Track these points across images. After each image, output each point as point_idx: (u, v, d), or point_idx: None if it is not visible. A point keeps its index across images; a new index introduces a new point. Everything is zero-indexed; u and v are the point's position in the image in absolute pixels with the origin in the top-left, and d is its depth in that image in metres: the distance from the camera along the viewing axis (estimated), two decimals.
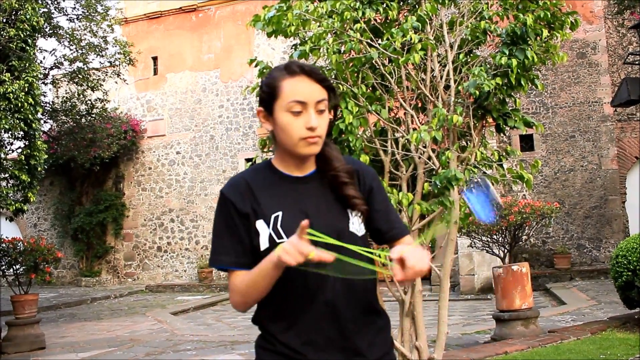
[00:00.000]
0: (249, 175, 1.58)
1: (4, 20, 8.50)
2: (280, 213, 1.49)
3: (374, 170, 1.66)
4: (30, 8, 8.70)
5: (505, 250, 7.44)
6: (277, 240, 1.46)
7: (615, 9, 13.18)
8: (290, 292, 1.47)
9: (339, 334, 1.48)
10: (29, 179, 8.93)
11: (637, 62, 12.79)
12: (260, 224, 1.50)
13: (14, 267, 9.07)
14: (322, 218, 1.48)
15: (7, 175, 9.19)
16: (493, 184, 1.44)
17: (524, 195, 13.13)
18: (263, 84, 1.55)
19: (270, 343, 1.50)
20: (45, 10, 11.87)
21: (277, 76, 1.51)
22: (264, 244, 1.48)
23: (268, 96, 1.52)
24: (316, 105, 1.48)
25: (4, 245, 9.05)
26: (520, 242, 8.21)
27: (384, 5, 3.88)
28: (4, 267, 9.08)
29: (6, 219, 10.65)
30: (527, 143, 14.08)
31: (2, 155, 9.13)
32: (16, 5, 8.48)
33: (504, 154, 3.97)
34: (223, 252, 1.52)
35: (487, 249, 7.71)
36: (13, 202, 8.95)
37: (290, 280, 1.46)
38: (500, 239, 7.44)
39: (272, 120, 1.53)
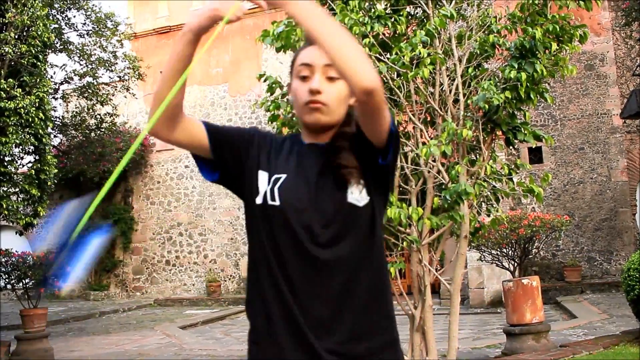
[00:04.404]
0: (276, 136, 1.61)
1: (16, 37, 8.61)
2: (283, 176, 1.47)
3: None
4: (41, 24, 8.81)
5: (515, 264, 7.40)
6: (269, 202, 1.44)
7: (623, 21, 13.17)
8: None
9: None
10: (39, 194, 8.99)
11: None
12: (262, 175, 1.49)
13: (24, 281, 9.10)
14: (321, 188, 1.44)
15: (17, 189, 9.26)
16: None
17: (534, 208, 13.06)
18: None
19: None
20: (56, 26, 12.00)
21: (300, 49, 1.54)
22: (258, 198, 1.46)
23: (290, 68, 1.54)
24: (324, 69, 1.44)
25: (13, 259, 9.09)
26: (530, 255, 8.16)
27: (392, 19, 3.90)
28: (13, 280, 9.11)
29: (16, 233, 10.69)
30: (535, 155, 14.02)
31: (13, 170, 9.20)
32: (28, 22, 8.59)
33: (514, 167, 3.96)
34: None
35: (497, 262, 7.66)
36: (23, 217, 9.01)
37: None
38: (510, 252, 7.40)
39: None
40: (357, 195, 1.42)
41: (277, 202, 1.43)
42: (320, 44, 1.29)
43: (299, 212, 1.42)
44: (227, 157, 1.52)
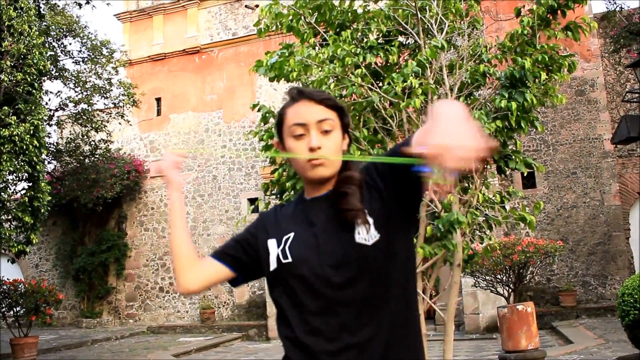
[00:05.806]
0: (283, 205, 1.66)
1: (12, 65, 8.66)
2: (292, 234, 1.50)
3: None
4: (37, 53, 8.87)
5: (510, 289, 7.39)
6: (283, 261, 1.46)
7: (612, 48, 13.38)
8: None
9: None
10: (32, 221, 8.95)
11: (635, 100, 12.92)
12: (271, 243, 1.52)
13: (15, 309, 9.01)
14: (327, 234, 1.45)
15: (10, 217, 9.22)
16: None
17: (527, 233, 13.08)
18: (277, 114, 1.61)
19: None
20: (52, 53, 12.09)
21: (284, 105, 1.55)
22: (272, 263, 1.50)
23: (277, 126, 1.56)
24: (318, 125, 1.47)
25: (5, 287, 9.01)
26: (525, 281, 8.15)
27: (385, 49, 3.96)
28: (4, 309, 9.02)
29: (8, 261, 10.61)
30: (529, 180, 14.09)
31: (6, 197, 9.17)
32: (24, 50, 8.65)
33: (506, 195, 3.98)
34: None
35: (491, 288, 7.65)
36: (15, 244, 8.95)
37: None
38: (504, 278, 7.39)
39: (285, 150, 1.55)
40: (365, 235, 1.41)
41: (290, 259, 1.46)
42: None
43: (308, 260, 1.43)
44: (246, 261, 1.62)
